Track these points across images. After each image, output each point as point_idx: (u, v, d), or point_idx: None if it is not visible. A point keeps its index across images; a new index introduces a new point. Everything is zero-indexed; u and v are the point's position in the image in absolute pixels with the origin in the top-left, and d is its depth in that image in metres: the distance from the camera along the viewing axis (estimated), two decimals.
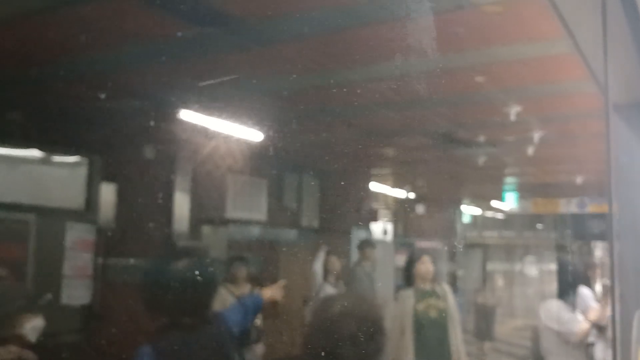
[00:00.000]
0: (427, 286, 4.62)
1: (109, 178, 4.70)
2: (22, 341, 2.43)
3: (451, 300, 4.67)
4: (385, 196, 12.42)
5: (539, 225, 16.49)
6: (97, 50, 3.95)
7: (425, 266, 4.62)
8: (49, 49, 3.87)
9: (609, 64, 1.44)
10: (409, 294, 4.61)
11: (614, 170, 1.42)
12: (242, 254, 6.15)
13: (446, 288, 4.77)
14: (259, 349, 5.31)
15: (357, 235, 8.11)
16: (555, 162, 8.53)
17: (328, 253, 6.51)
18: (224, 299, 5.11)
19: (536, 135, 6.23)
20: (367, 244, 7.53)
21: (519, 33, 3.64)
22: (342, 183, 8.66)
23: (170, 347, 2.60)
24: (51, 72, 4.19)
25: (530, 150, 6.95)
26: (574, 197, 11.88)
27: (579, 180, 9.97)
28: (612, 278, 1.46)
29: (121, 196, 4.77)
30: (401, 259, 10.26)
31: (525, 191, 12.15)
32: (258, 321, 5.19)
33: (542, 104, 5.34)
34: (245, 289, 5.26)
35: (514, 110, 5.24)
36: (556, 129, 6.24)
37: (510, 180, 11.20)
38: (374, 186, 10.25)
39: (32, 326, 2.49)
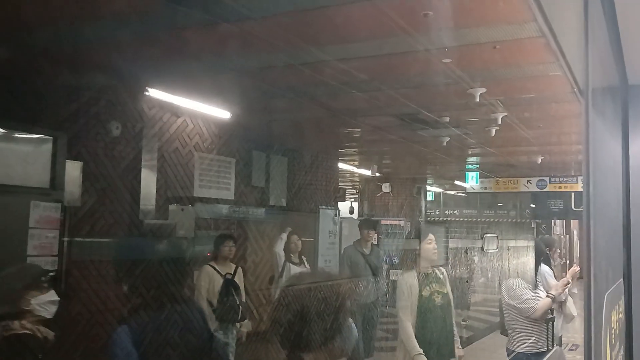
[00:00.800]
0: (429, 269, 4.22)
1: (74, 156, 4.61)
2: (34, 316, 2.43)
3: (448, 283, 4.35)
4: (351, 175, 12.50)
5: (500, 204, 16.85)
6: (62, 24, 3.84)
7: (432, 246, 4.24)
8: (9, 22, 3.75)
9: (589, 49, 1.48)
10: (412, 278, 4.16)
11: (591, 154, 1.47)
12: (230, 233, 6.12)
13: (444, 270, 4.41)
14: (246, 325, 5.36)
15: (324, 213, 8.14)
16: (518, 143, 8.70)
17: (290, 233, 6.47)
18: (211, 277, 5.12)
19: (499, 117, 6.34)
20: (367, 224, 7.30)
21: (488, 15, 3.68)
22: (310, 162, 8.68)
23: (145, 326, 2.59)
24: (13, 47, 4.06)
25: (493, 132, 7.07)
26: (534, 177, 12.17)
27: (539, 160, 10.21)
28: (587, 259, 1.52)
29: (87, 174, 4.69)
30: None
31: (487, 170, 12.38)
32: (243, 299, 5.23)
33: (506, 86, 5.43)
34: (228, 267, 5.26)
35: (478, 92, 5.32)
36: (520, 110, 6.36)
37: (473, 160, 11.38)
38: (341, 165, 10.29)
39: (40, 302, 2.48)
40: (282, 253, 6.32)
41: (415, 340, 4.01)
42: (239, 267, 5.42)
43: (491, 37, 4.07)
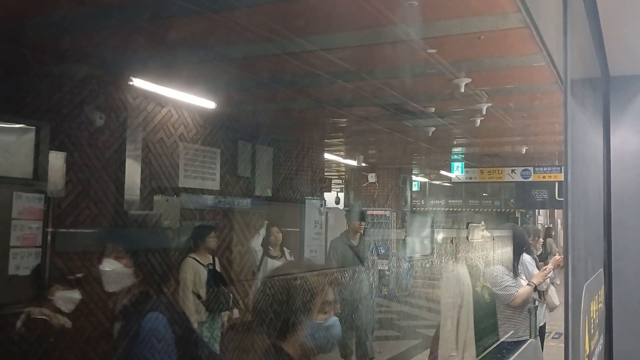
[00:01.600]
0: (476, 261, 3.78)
1: (57, 146, 4.56)
2: (54, 307, 2.59)
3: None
4: (337, 165, 12.51)
5: (484, 194, 16.96)
6: (45, 12, 3.79)
7: (483, 233, 3.74)
8: None
9: (568, 40, 1.49)
10: (463, 271, 3.66)
11: (570, 144, 1.49)
12: (211, 223, 6.05)
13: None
14: (234, 314, 5.36)
15: (310, 204, 8.13)
16: (502, 133, 8.76)
17: (269, 225, 6.22)
18: (196, 269, 5.11)
19: (484, 107, 6.38)
20: (355, 214, 6.66)
21: (473, 5, 3.69)
22: (296, 152, 8.67)
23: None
24: None
25: (478, 122, 7.12)
26: (518, 167, 12.27)
27: (524, 150, 10.29)
28: (565, 249, 1.54)
29: (70, 164, 4.65)
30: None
31: (472, 160, 12.45)
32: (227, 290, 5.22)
33: (491, 76, 5.45)
34: (207, 257, 5.25)
35: (463, 83, 5.34)
36: (504, 101, 6.40)
37: (458, 150, 11.44)
38: (327, 155, 10.29)
39: (62, 296, 2.65)
40: (259, 248, 6.15)
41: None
42: (215, 258, 5.41)
43: (476, 27, 4.08)
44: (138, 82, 5.14)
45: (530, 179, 12.23)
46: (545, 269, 4.67)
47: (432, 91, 6.15)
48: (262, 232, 6.26)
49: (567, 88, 1.52)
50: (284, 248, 6.25)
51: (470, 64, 5.07)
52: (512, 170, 12.33)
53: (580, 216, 1.81)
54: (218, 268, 5.34)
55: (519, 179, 12.37)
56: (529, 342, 3.33)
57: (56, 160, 4.51)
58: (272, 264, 5.92)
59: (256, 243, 6.25)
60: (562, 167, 1.65)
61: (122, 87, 5.22)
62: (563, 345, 1.85)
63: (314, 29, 4.18)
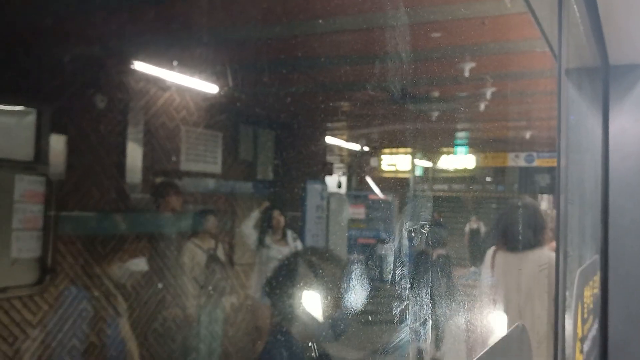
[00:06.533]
0: None
1: (59, 129, 4.57)
2: None
3: None
4: (339, 149, 12.49)
5: (488, 179, 16.94)
6: None
7: None
8: None
9: (563, 28, 1.49)
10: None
11: (563, 129, 1.49)
12: (211, 207, 6.00)
13: None
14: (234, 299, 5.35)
15: (312, 188, 8.13)
16: (507, 117, 8.72)
17: (266, 209, 6.06)
18: (194, 253, 5.11)
19: (488, 92, 6.36)
20: (166, 187, 4.71)
21: None
22: (298, 136, 8.65)
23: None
24: None
25: (482, 106, 7.10)
26: (522, 152, 12.22)
27: (527, 135, 10.25)
28: (557, 234, 1.54)
29: (72, 147, 4.66)
30: (358, 212, 10.36)
31: (475, 145, 12.40)
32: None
33: (496, 61, 5.43)
34: (209, 242, 5.23)
35: (467, 67, 5.32)
36: (509, 86, 6.37)
37: (461, 134, 11.39)
38: (329, 139, 10.27)
39: None
40: (252, 232, 5.84)
41: None
42: (219, 242, 5.40)
43: (480, 11, 4.06)
44: (140, 65, 5.12)
45: (534, 164, 12.19)
46: None
47: (436, 75, 6.12)
48: (256, 213, 6.16)
49: (561, 75, 1.52)
50: (288, 231, 6.16)
51: (474, 49, 5.04)
52: (516, 155, 12.29)
53: (574, 202, 1.82)
54: (221, 253, 5.34)
55: (523, 163, 12.33)
56: (515, 325, 3.35)
57: (57, 143, 4.52)
58: (275, 252, 5.86)
59: (247, 226, 6.05)
60: (556, 153, 1.66)
61: (125, 70, 5.21)
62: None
63: (315, 12, 4.16)
